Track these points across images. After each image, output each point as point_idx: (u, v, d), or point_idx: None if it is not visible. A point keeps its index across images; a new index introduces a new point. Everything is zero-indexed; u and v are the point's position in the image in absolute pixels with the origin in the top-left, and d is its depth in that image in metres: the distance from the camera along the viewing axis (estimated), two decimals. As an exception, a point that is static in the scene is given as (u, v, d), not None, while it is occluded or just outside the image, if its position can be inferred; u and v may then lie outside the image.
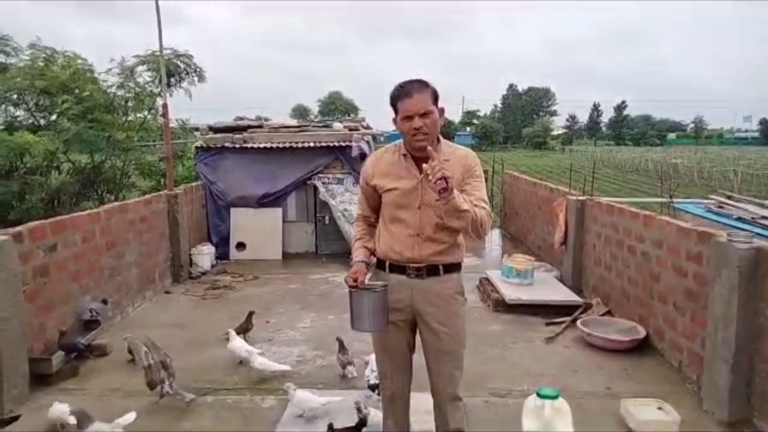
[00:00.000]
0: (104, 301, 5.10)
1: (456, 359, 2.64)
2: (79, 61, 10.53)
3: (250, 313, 5.00)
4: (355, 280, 2.47)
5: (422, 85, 2.46)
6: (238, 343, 4.45)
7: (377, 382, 3.50)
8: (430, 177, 2.21)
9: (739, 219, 7.90)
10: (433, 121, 2.45)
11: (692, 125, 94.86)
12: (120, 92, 10.82)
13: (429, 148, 2.34)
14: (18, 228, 4.20)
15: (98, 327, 4.81)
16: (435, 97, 2.47)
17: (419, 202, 2.51)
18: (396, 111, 2.50)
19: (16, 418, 3.48)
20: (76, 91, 9.97)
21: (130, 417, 3.32)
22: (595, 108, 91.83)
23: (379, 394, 3.63)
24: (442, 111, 2.52)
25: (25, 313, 4.01)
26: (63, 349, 4.26)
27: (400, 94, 2.46)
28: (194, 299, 6.48)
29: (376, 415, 3.26)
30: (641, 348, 4.68)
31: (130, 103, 11.00)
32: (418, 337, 2.71)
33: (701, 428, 3.47)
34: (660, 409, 3.51)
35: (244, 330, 4.84)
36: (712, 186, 20.54)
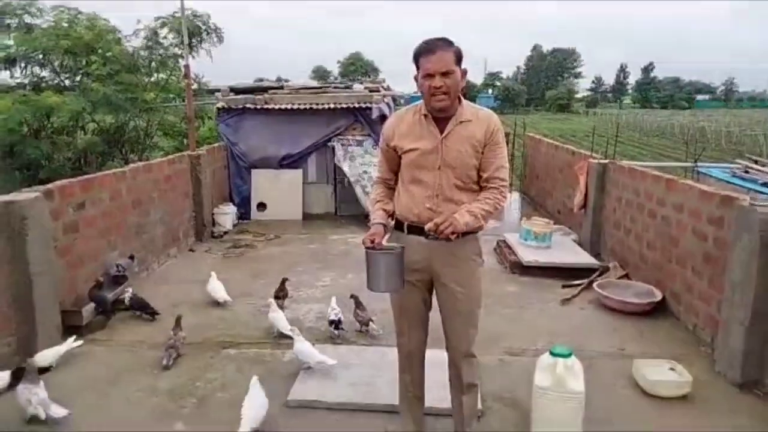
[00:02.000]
0: (131, 257, 5.27)
1: (471, 319, 2.70)
2: (102, 21, 10.56)
3: (284, 280, 4.98)
4: (373, 242, 2.50)
5: (446, 43, 2.44)
6: (282, 320, 4.31)
7: (336, 318, 4.30)
8: (434, 236, 2.38)
9: (764, 184, 7.76)
10: (455, 82, 2.44)
11: (722, 87, 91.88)
12: (144, 53, 10.87)
13: (428, 226, 2.41)
14: (48, 186, 4.34)
15: (126, 282, 4.98)
16: (458, 58, 2.45)
17: (439, 163, 2.52)
18: (418, 68, 2.48)
19: (48, 369, 3.66)
20: (100, 51, 10.04)
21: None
22: (622, 69, 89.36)
23: (337, 329, 4.27)
24: (464, 72, 2.50)
25: (57, 268, 4.18)
26: (91, 299, 4.44)
27: (423, 50, 2.44)
28: (217, 257, 6.64)
29: (300, 342, 3.72)
30: (657, 311, 4.71)
31: (153, 64, 11.05)
32: (434, 296, 2.77)
33: (713, 388, 3.52)
34: (672, 369, 3.56)
35: (277, 297, 4.86)
36: (740, 150, 20.04)
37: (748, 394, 3.47)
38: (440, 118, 2.52)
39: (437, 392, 3.00)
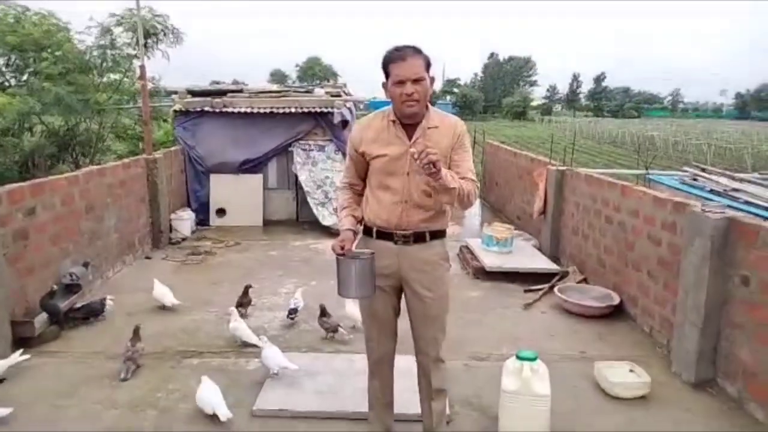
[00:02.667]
0: (85, 264, 5.07)
1: (439, 323, 2.71)
2: (53, 19, 10.17)
3: (247, 287, 4.88)
4: (343, 248, 2.49)
5: (416, 50, 2.45)
6: (244, 329, 4.18)
7: (294, 306, 4.58)
8: (417, 161, 2.25)
9: (711, 191, 8.12)
10: (425, 89, 2.45)
11: (669, 98, 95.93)
12: (96, 53, 10.52)
13: (418, 140, 2.40)
14: (-5, 190, 4.13)
15: (79, 291, 4.79)
16: (428, 64, 2.46)
17: (408, 169, 2.52)
18: (387, 75, 2.47)
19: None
20: (49, 49, 9.66)
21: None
22: (575, 79, 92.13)
23: (292, 318, 4.51)
24: (432, 79, 2.53)
25: (6, 277, 3.98)
26: (43, 308, 4.25)
27: (394, 57, 2.43)
28: (175, 264, 6.47)
29: (269, 348, 3.73)
30: (615, 314, 4.85)
31: (106, 64, 10.70)
32: (403, 302, 2.77)
33: (670, 389, 3.65)
34: (631, 371, 3.67)
35: (240, 304, 4.75)
36: (687, 159, 20.92)
37: (702, 393, 3.61)
38: (408, 125, 2.53)
39: (406, 398, 3.00)
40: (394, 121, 2.55)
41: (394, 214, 2.56)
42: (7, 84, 10.36)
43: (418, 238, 2.58)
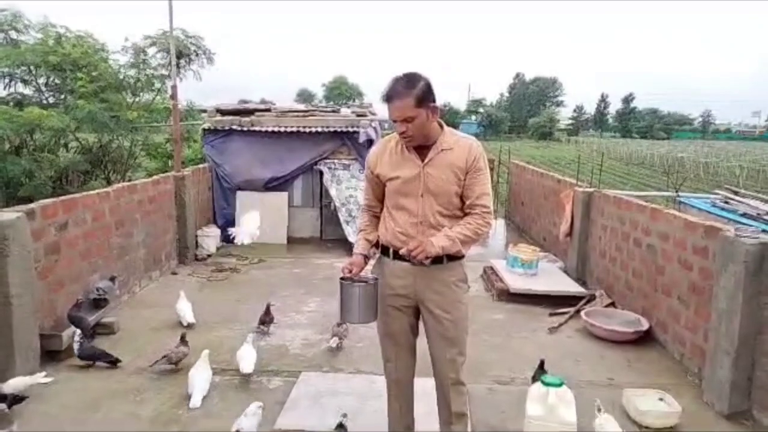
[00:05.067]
0: (112, 279, 5.14)
1: (458, 345, 2.67)
2: (90, 40, 10.53)
3: (268, 306, 4.94)
4: (350, 272, 2.55)
5: (406, 87, 2.41)
6: (248, 358, 4.06)
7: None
8: (411, 259, 2.42)
9: (744, 215, 7.90)
10: (417, 125, 2.45)
11: (700, 119, 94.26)
12: (131, 72, 10.84)
13: (405, 249, 2.46)
14: (30, 205, 4.25)
15: (107, 305, 4.87)
16: (419, 100, 2.41)
17: (422, 190, 2.54)
18: None
19: (22, 399, 3.52)
20: (86, 69, 9.99)
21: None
22: (603, 99, 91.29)
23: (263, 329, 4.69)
24: (433, 109, 2.48)
25: (37, 290, 4.06)
26: (71, 321, 4.30)
27: (384, 98, 2.47)
28: (200, 281, 6.53)
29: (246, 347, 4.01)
30: (644, 340, 4.72)
31: (139, 84, 11.01)
32: (421, 323, 2.75)
33: (701, 419, 3.52)
34: (661, 399, 3.56)
35: (263, 322, 4.84)
36: (718, 181, 20.48)
37: (735, 424, 3.47)
38: (421, 147, 2.55)
39: (427, 421, 2.95)
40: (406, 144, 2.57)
41: (410, 235, 2.56)
42: (45, 102, 10.71)
43: (435, 259, 2.55)
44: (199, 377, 3.70)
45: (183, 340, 4.15)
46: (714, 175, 25.33)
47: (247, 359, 3.97)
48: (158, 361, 4.03)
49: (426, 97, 2.44)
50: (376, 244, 2.72)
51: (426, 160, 2.53)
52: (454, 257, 2.60)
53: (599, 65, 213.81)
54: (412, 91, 2.41)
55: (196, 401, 3.54)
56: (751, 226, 5.32)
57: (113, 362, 4.11)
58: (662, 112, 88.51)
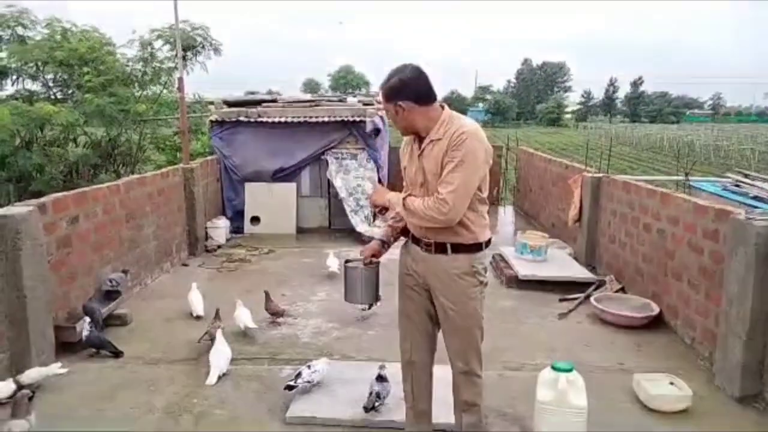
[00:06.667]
0: (124, 272, 5.20)
1: (467, 337, 2.68)
2: (96, 34, 10.55)
3: (267, 294, 5.04)
4: (370, 255, 2.77)
5: (385, 81, 2.55)
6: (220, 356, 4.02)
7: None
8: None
9: (756, 198, 7.83)
10: (396, 117, 2.55)
11: (710, 102, 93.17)
12: (138, 66, 10.86)
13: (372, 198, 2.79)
14: (42, 199, 4.29)
15: (119, 297, 4.92)
16: (386, 97, 2.53)
17: (421, 180, 2.60)
18: None
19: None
20: (93, 63, 10.02)
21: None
22: (611, 84, 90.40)
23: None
24: (401, 104, 2.49)
25: (50, 283, 4.12)
26: (85, 312, 4.35)
27: None
28: (211, 272, 6.58)
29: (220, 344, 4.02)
30: (654, 324, 4.71)
31: (146, 77, 11.03)
32: None
33: (713, 403, 3.52)
34: (672, 384, 3.56)
35: (274, 312, 4.95)
36: (729, 164, 20.28)
37: (747, 407, 3.47)
38: (422, 138, 2.59)
39: (446, 409, 2.96)
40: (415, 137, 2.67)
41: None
42: (53, 97, 10.76)
43: (440, 248, 2.60)
44: (216, 356, 3.89)
45: (217, 315, 4.43)
46: (725, 158, 25.07)
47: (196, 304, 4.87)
48: (203, 337, 4.32)
49: (394, 94, 2.50)
50: (405, 233, 2.80)
51: (419, 152, 2.60)
52: (459, 249, 2.58)
53: (607, 50, 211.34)
54: (385, 85, 2.54)
55: (212, 379, 3.75)
56: (762, 208, 5.27)
57: (116, 354, 4.18)
58: (671, 95, 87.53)
